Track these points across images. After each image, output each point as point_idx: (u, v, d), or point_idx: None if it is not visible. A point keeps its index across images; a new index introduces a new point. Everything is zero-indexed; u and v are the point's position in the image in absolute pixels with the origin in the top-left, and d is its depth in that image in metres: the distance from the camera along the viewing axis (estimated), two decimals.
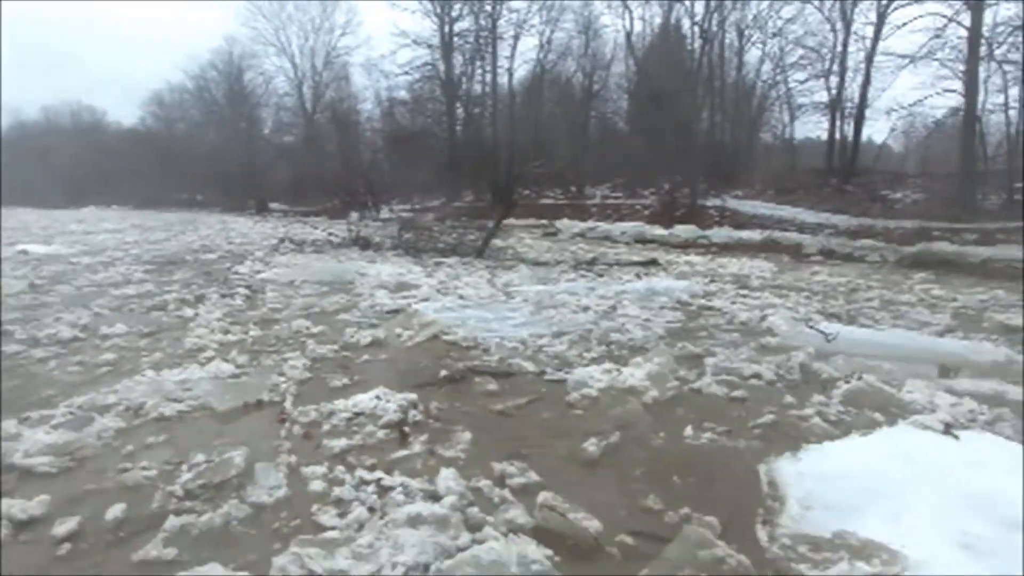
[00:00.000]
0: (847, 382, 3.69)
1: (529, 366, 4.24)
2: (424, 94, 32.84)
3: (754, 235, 14.68)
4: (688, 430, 3.12)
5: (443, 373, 4.06)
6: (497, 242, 11.06)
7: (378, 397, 3.37)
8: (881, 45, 20.69)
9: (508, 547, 1.98)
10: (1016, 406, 3.34)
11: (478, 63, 31.69)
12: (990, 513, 2.19)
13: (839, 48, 22.30)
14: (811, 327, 4.99)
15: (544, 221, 19.30)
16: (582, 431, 3.07)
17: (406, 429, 3.11)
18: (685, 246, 13.85)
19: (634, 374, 3.81)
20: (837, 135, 23.27)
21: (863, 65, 21.64)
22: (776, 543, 2.09)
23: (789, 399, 3.55)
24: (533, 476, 2.56)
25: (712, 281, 8.15)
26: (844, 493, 2.41)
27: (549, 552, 2.00)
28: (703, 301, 6.54)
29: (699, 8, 24.46)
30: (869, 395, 3.49)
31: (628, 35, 27.89)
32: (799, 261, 11.36)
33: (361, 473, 2.63)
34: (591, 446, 2.87)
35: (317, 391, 3.72)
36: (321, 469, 2.68)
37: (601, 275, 8.73)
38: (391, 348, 4.84)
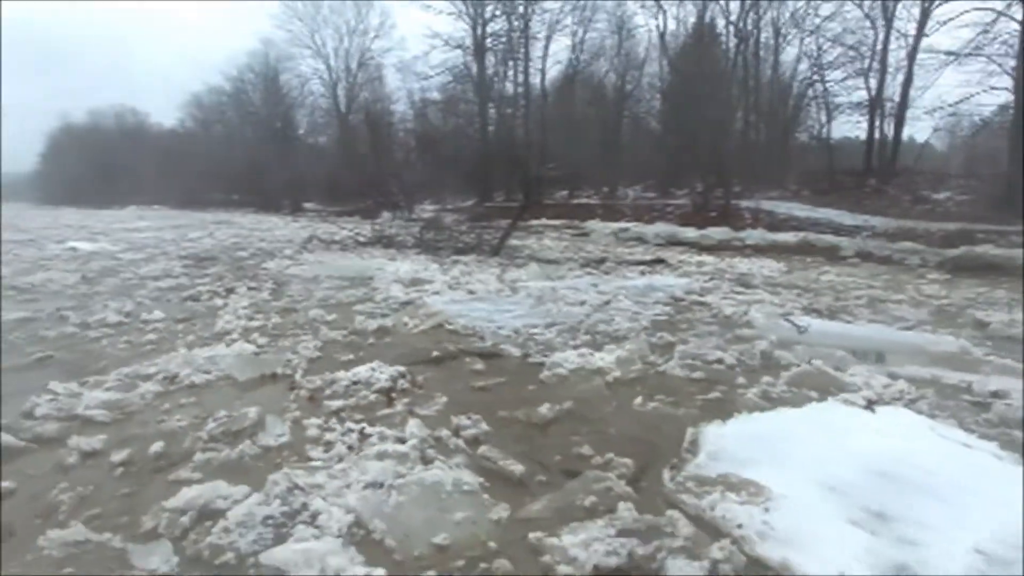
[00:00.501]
0: (799, 366, 4.14)
1: (516, 351, 4.85)
2: (456, 95, 33.83)
3: (789, 237, 14.72)
4: (638, 401, 3.67)
5: (435, 353, 4.71)
6: (515, 242, 11.67)
7: (373, 369, 4.05)
8: (924, 42, 20.38)
9: (448, 474, 2.61)
10: (943, 387, 3.74)
11: (510, 64, 32.48)
12: (863, 464, 2.68)
13: (879, 46, 22.01)
14: (787, 320, 5.41)
15: (576, 222, 19.39)
16: (543, 400, 3.66)
17: (393, 394, 3.78)
18: (718, 248, 13.94)
19: (604, 358, 4.38)
20: (876, 135, 22.93)
21: (905, 63, 21.32)
22: (673, 482, 2.64)
23: (741, 380, 4.04)
24: (484, 427, 3.18)
25: (713, 279, 8.56)
26: (748, 449, 2.92)
27: (481, 480, 2.62)
28: (696, 297, 6.99)
29: (734, 7, 24.55)
30: (814, 377, 3.95)
31: (662, 35, 28.17)
32: (834, 264, 11.44)
33: (349, 424, 3.30)
34: (545, 410, 3.46)
35: (324, 366, 4.43)
36: (318, 421, 3.37)
37: (607, 273, 9.25)
38: (396, 334, 5.53)
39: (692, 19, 27.82)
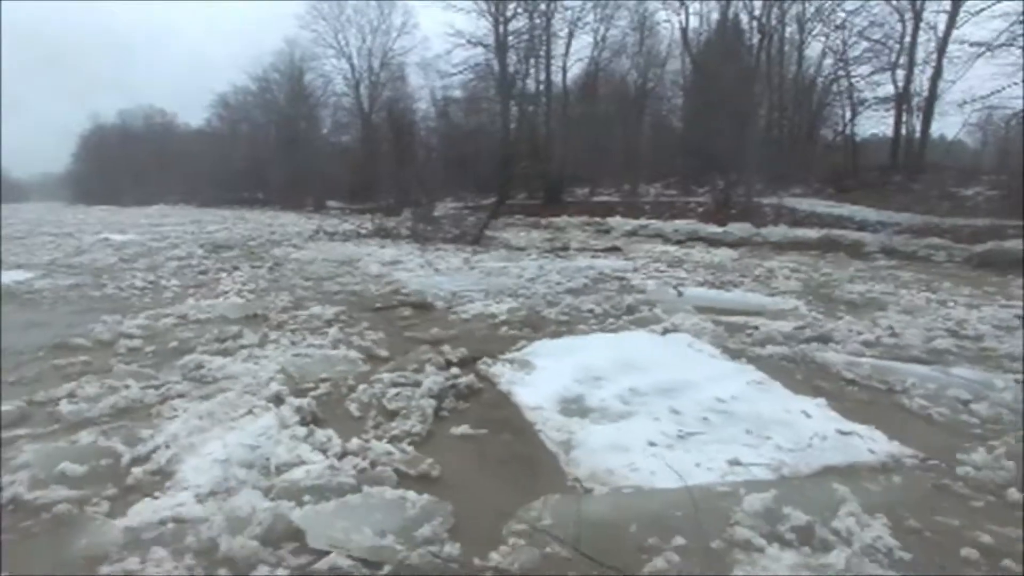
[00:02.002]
0: (642, 313, 5.94)
1: (442, 304, 6.80)
2: (478, 93, 36.10)
3: (810, 233, 15.29)
4: (504, 330, 5.55)
5: (378, 304, 6.72)
6: (504, 234, 13.69)
7: (323, 309, 6.09)
8: (955, 34, 21.20)
9: (343, 352, 4.60)
10: (733, 325, 5.48)
11: (532, 62, 34.48)
12: (618, 358, 4.47)
13: (907, 39, 22.91)
14: (673, 288, 7.19)
15: (597, 219, 20.43)
16: (438, 328, 5.59)
17: (331, 323, 5.79)
18: (739, 244, 14.69)
19: (500, 307, 6.28)
20: (903, 130, 23.75)
21: (934, 56, 22.16)
22: (481, 362, 4.52)
23: (594, 321, 5.87)
24: (381, 336, 5.16)
25: (655, 262, 10.38)
26: (550, 350, 4.82)
27: (362, 356, 4.60)
28: (619, 273, 8.81)
29: (758, 4, 25.87)
30: (646, 318, 5.75)
31: (684, 31, 29.67)
32: (856, 259, 11.95)
33: (296, 337, 5.31)
34: (435, 332, 5.40)
35: (291, 309, 6.50)
36: (277, 334, 5.40)
37: (561, 257, 11.11)
38: (356, 294, 7.56)
39: (715, 15, 29.25)
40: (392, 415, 3.55)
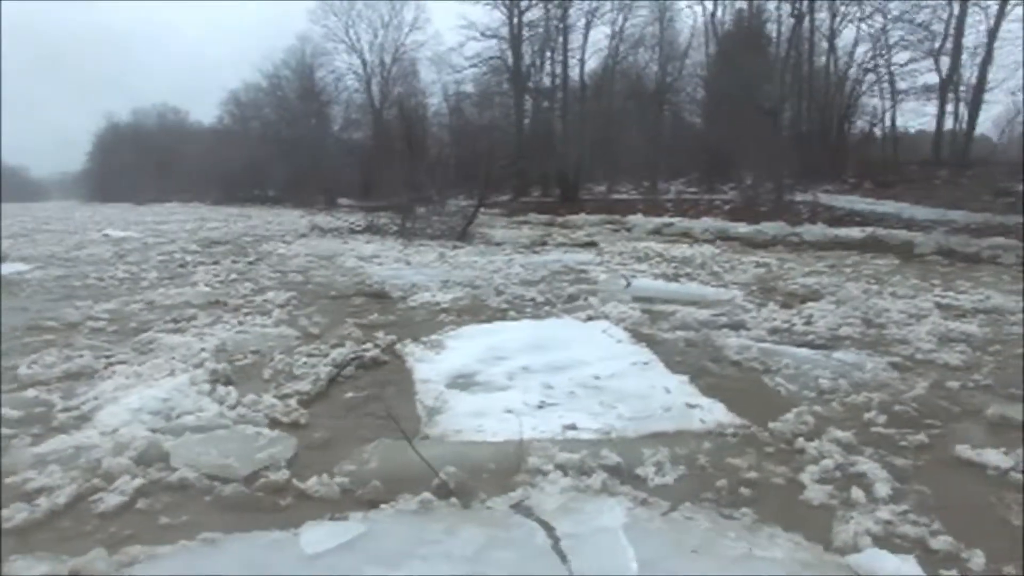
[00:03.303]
0: (579, 301, 6.53)
1: (398, 293, 7.47)
2: (492, 87, 36.88)
3: (853, 232, 14.49)
4: (443, 316, 6.19)
5: (333, 292, 7.44)
6: (485, 230, 14.37)
7: (276, 294, 6.83)
8: (1009, 15, 20.75)
9: (282, 330, 5.34)
10: (659, 313, 6.02)
11: (547, 54, 35.10)
12: (529, 340, 5.09)
13: (953, 23, 22.58)
14: (623, 278, 7.75)
15: (616, 217, 20.32)
16: (383, 315, 6.27)
17: (283, 305, 6.52)
18: (772, 244, 14.21)
19: (446, 296, 6.94)
20: (949, 122, 23.34)
21: (985, 40, 21.80)
22: (401, 343, 5.17)
23: (529, 308, 6.48)
24: (323, 319, 5.88)
25: (620, 255, 10.96)
26: (472, 334, 5.43)
27: (297, 334, 5.31)
28: (582, 267, 9.41)
29: None
30: (581, 306, 6.34)
31: (710, 17, 29.97)
32: (910, 262, 11.02)
33: (247, 319, 6.05)
34: (374, 318, 6.07)
35: (250, 296, 7.26)
36: (230, 316, 6.16)
37: (536, 252, 11.75)
38: (322, 285, 8.29)
39: (739, 3, 29.46)
40: (295, 378, 4.23)
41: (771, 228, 15.75)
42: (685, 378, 4.10)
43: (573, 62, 34.10)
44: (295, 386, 4.08)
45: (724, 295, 7.02)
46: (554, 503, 2.67)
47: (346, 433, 3.41)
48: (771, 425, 3.40)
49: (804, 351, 4.75)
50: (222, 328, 5.70)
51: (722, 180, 27.96)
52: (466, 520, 2.56)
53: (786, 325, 5.60)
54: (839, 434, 3.26)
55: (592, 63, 34.53)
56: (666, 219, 19.29)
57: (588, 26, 33.48)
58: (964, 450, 3.12)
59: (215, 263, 10.70)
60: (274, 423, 3.49)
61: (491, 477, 2.88)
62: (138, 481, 2.76)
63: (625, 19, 32.62)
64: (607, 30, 33.11)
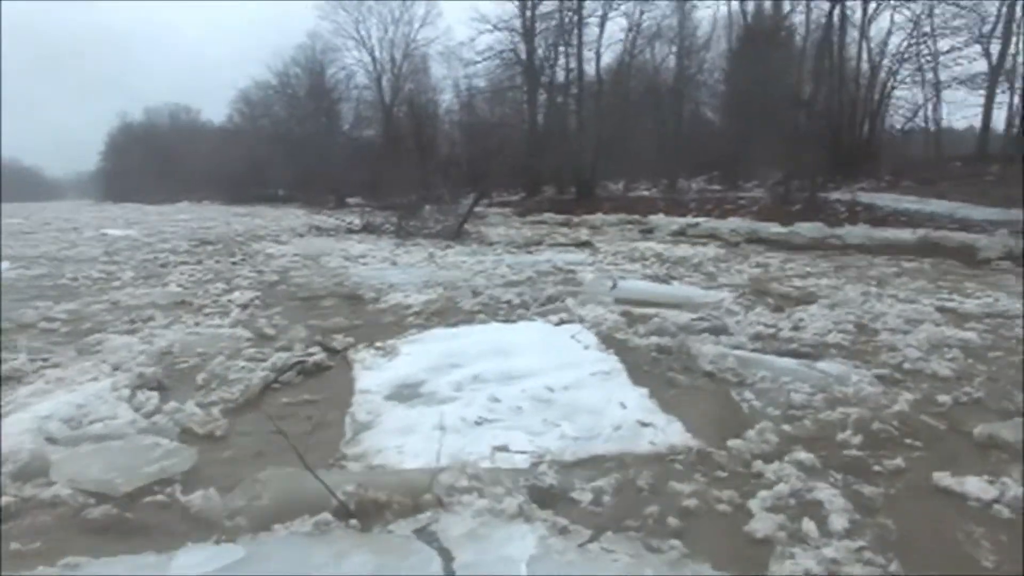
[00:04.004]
0: (557, 303, 6.28)
1: (371, 295, 7.27)
2: (504, 83, 36.66)
3: (902, 234, 13.43)
4: (408, 319, 5.98)
5: (305, 294, 7.28)
6: (486, 229, 14.18)
7: (240, 294, 6.69)
8: None
9: (234, 332, 5.15)
10: (638, 317, 5.74)
11: (561, 48, 34.77)
12: (489, 346, 4.86)
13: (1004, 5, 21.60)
14: (610, 279, 7.50)
15: (636, 216, 19.57)
16: (349, 317, 6.09)
17: (246, 305, 6.37)
18: (810, 247, 13.04)
19: (418, 298, 6.74)
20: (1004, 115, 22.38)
21: None
22: (356, 348, 4.97)
23: (505, 311, 6.24)
24: (283, 321, 5.71)
25: (614, 255, 10.80)
26: (437, 335, 5.22)
27: (249, 335, 5.15)
28: (571, 267, 9.17)
29: None
30: (557, 308, 6.10)
31: (732, 6, 29.44)
32: (971, 267, 10.05)
33: (204, 320, 5.91)
34: (339, 320, 5.89)
35: (217, 295, 7.13)
36: (189, 316, 6.03)
37: (530, 252, 11.53)
38: (298, 286, 8.14)
39: None
40: (228, 384, 4.05)
41: (808, 229, 14.68)
42: (645, 391, 3.80)
43: (588, 56, 33.69)
44: (225, 392, 3.90)
45: (712, 297, 6.73)
46: (462, 529, 2.44)
47: (259, 448, 3.21)
48: (730, 444, 3.12)
49: (785, 361, 4.44)
50: (175, 329, 5.56)
51: (746, 178, 27.33)
52: (361, 545, 2.36)
53: (771, 331, 5.28)
54: (803, 456, 2.97)
55: (608, 57, 34.08)
56: (690, 219, 18.47)
57: (604, 18, 33.00)
58: (943, 477, 2.81)
59: (198, 262, 10.64)
60: (186, 434, 3.30)
61: (400, 499, 2.64)
62: (6, 499, 2.57)
63: (642, 11, 32.15)
64: (623, 22, 32.65)
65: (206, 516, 2.54)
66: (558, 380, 3.98)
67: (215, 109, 53.31)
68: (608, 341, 5.01)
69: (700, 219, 18.14)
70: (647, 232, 17.36)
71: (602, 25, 33.22)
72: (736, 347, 4.79)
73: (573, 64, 34.42)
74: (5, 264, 11.07)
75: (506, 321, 5.87)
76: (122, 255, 12.20)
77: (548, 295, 6.77)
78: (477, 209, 29.68)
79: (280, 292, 7.55)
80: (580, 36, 33.56)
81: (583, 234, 15.24)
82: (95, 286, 8.40)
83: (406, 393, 3.92)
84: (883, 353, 4.64)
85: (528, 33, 34.24)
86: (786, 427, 3.33)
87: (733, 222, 17.13)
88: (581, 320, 5.71)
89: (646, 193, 29.89)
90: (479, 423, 3.40)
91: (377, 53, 41.50)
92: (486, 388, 3.94)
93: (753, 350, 4.75)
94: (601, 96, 34.35)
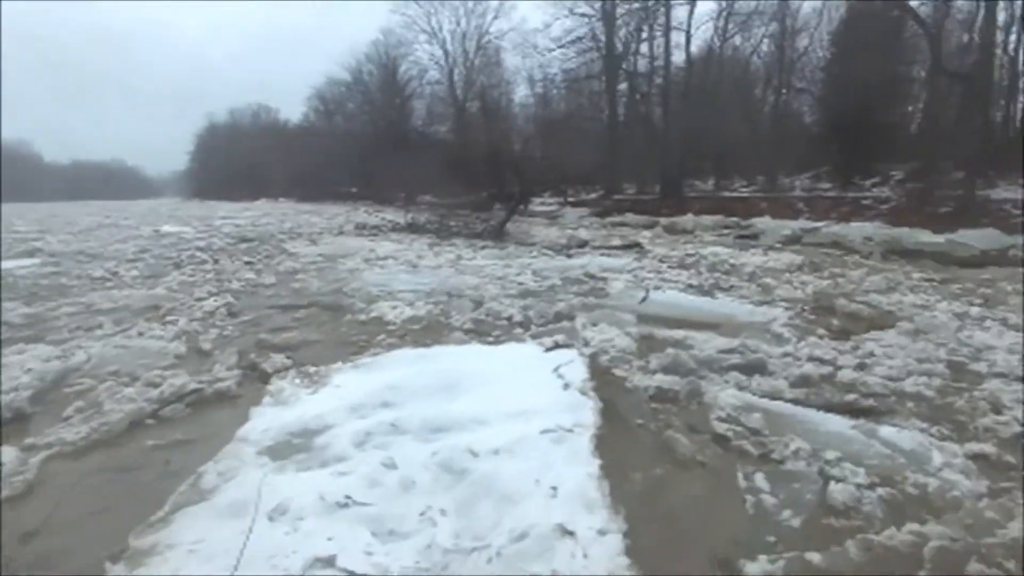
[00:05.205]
0: (563, 323, 5.28)
1: (360, 305, 6.52)
2: (582, 72, 35.45)
3: None
4: (380, 337, 5.17)
5: (287, 300, 6.67)
6: (528, 228, 13.35)
7: (215, 300, 6.16)
8: None
9: (170, 345, 4.52)
10: (663, 343, 4.63)
11: (645, 33, 33.19)
12: (446, 370, 3.98)
13: None
14: (644, 290, 6.43)
15: (735, 219, 17.37)
16: (316, 330, 5.38)
17: (212, 314, 5.84)
18: (984, 262, 9.94)
19: (404, 311, 5.92)
20: None
21: None
22: (328, 364, 4.19)
23: (500, 330, 5.30)
24: (235, 334, 5.07)
25: (662, 260, 9.66)
26: (395, 359, 4.38)
27: (184, 351, 4.51)
28: (604, 275, 8.07)
29: None
30: (561, 328, 5.18)
31: None
32: None
33: (155, 331, 5.36)
34: (292, 334, 5.17)
35: (194, 301, 6.64)
36: (144, 325, 5.53)
37: (571, 256, 10.47)
38: (292, 290, 7.54)
39: None
40: (95, 416, 3.41)
41: (977, 238, 11.35)
42: (595, 471, 2.70)
43: (674, 41, 31.84)
44: (81, 428, 3.21)
45: (760, 316, 5.48)
46: None
47: (46, 514, 2.45)
48: None
49: (835, 420, 3.23)
50: (107, 342, 5.01)
51: (863, 174, 24.64)
52: None
53: (825, 370, 4.02)
54: None
55: (696, 42, 32.13)
56: (803, 223, 15.88)
57: (693, 0, 31.14)
58: None
59: (216, 262, 10.36)
60: None
61: None
62: None
63: None
64: (714, 4, 30.69)
65: None
66: (493, 438, 3.00)
67: (299, 108, 55.21)
68: (601, 378, 3.97)
69: (818, 223, 15.46)
70: (750, 238, 14.91)
71: (691, 7, 31.22)
72: (770, 394, 3.62)
73: (657, 50, 32.75)
74: (28, 260, 11.30)
75: (493, 343, 4.92)
76: (151, 253, 12.21)
77: (556, 311, 5.75)
78: (549, 208, 28.77)
79: (262, 299, 6.94)
80: (668, 18, 31.65)
81: (700, 241, 13.45)
82: (89, 286, 8.17)
83: (292, 446, 3.07)
84: (985, 415, 3.30)
85: (608, 17, 32.86)
86: (812, 557, 2.17)
87: (862, 227, 14.10)
88: (586, 344, 4.69)
89: (743, 192, 27.68)
90: (344, 505, 2.47)
91: (449, 46, 41.51)
92: (394, 444, 3.03)
93: (794, 400, 3.54)
94: (691, 84, 32.28)
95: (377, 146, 42.26)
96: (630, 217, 20.78)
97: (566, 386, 3.81)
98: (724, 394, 3.56)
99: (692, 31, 30.89)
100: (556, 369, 4.10)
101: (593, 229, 16.90)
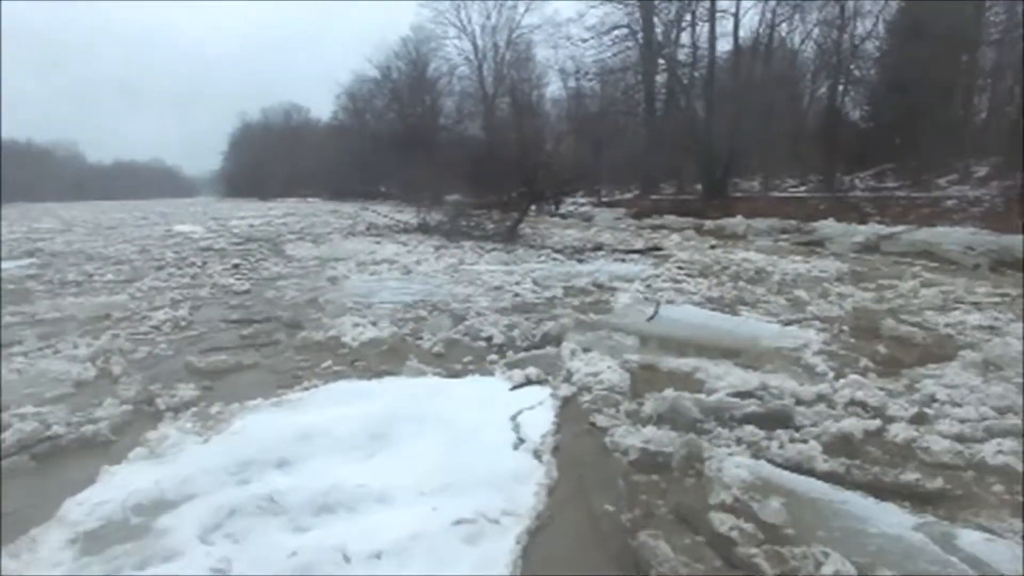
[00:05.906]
0: (547, 349, 4.42)
1: (326, 319, 5.80)
2: (617, 63, 34.19)
3: None
4: (327, 363, 4.42)
5: (241, 315, 6.01)
6: (543, 230, 12.53)
7: (166, 311, 5.63)
8: None
9: (76, 368, 3.93)
10: (666, 380, 3.73)
11: (685, 21, 31.82)
12: (372, 432, 3.18)
13: None
14: (655, 303, 5.57)
15: (792, 223, 15.94)
16: (256, 352, 4.69)
17: (157, 327, 5.29)
18: None
19: (368, 329, 5.19)
20: None
21: None
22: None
23: (472, 355, 4.49)
24: (168, 353, 4.41)
25: (680, 268, 8.75)
26: (323, 397, 3.63)
27: (91, 376, 3.89)
28: (615, 285, 7.21)
29: None
30: (546, 356, 4.34)
31: None
32: None
33: (66, 347, 4.72)
34: (222, 357, 4.46)
35: (155, 306, 6.09)
36: (75, 338, 4.94)
37: (581, 260, 9.60)
38: (264, 300, 6.89)
39: None
40: None
41: None
42: None
43: (720, 33, 30.35)
44: None
45: (791, 339, 4.50)
46: None
47: None
48: None
49: (889, 512, 2.29)
50: (8, 362, 4.36)
51: (937, 171, 22.75)
52: None
53: (873, 424, 3.04)
54: None
55: (742, 31, 30.59)
56: (875, 227, 14.11)
57: None
58: None
59: (203, 264, 9.85)
60: None
61: None
62: None
63: None
64: None
65: None
66: (386, 529, 2.22)
67: (329, 106, 55.50)
68: (572, 430, 3.12)
69: (899, 227, 13.69)
70: (814, 244, 13.41)
71: None
72: (797, 464, 2.69)
73: (698, 39, 31.36)
74: (24, 261, 11.00)
75: (456, 374, 4.10)
76: (148, 254, 11.80)
77: (545, 331, 4.88)
78: (583, 209, 27.76)
79: (221, 311, 6.30)
80: (714, 8, 30.17)
81: (755, 248, 12.16)
82: (52, 290, 7.69)
83: (119, 532, 2.30)
84: None
85: (646, 3, 31.52)
86: None
87: (957, 233, 12.25)
88: (568, 378, 3.83)
89: (795, 192, 26.07)
90: None
91: (479, 41, 40.89)
92: (252, 534, 2.28)
93: (828, 474, 2.61)
94: (738, 76, 30.65)
95: (406, 144, 41.95)
96: (670, 219, 19.22)
97: (518, 443, 2.96)
98: (732, 463, 2.65)
99: (741, 16, 29.37)
100: (515, 417, 3.25)
101: (620, 231, 15.88)
